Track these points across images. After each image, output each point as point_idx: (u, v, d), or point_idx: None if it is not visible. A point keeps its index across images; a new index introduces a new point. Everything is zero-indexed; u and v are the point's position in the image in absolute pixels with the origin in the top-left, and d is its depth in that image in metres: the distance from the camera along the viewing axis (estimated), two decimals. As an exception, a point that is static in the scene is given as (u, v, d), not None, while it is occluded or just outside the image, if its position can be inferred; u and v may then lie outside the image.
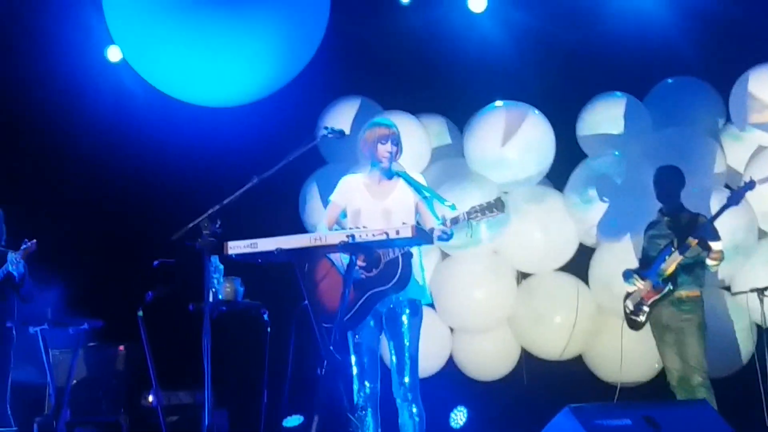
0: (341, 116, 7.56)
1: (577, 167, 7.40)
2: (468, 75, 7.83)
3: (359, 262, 4.73)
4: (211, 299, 4.73)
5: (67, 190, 7.52)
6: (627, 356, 6.44)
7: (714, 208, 6.26)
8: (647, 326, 6.02)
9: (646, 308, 5.93)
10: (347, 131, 5.15)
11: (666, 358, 5.97)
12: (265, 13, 6.53)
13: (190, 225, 4.45)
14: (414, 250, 4.85)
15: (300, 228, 7.45)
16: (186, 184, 7.31)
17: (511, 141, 7.27)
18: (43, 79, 7.57)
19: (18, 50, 7.64)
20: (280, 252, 4.50)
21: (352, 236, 4.40)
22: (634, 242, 6.77)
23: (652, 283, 5.88)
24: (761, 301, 6.02)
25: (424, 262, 7.35)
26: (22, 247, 5.88)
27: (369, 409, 4.93)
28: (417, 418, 4.88)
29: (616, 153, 7.25)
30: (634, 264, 6.26)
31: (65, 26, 7.59)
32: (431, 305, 7.59)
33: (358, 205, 5.05)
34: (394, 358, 4.94)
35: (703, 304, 5.92)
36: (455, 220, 4.71)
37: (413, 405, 4.89)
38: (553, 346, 7.40)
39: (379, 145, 5.01)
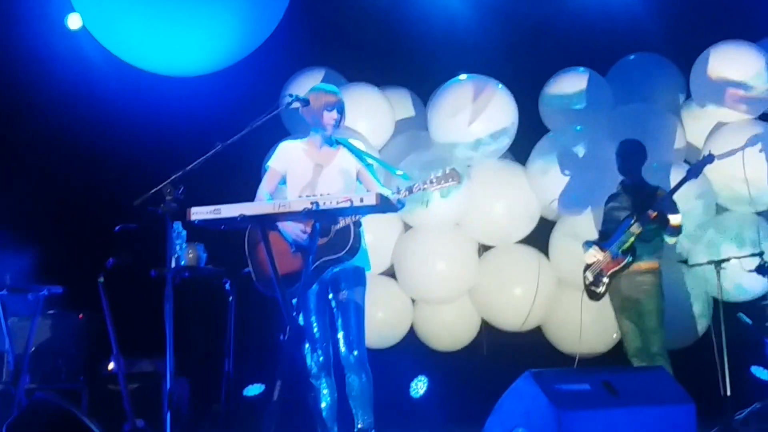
0: (305, 87, 7.40)
1: (539, 141, 7.45)
2: (433, 48, 7.84)
3: (307, 229, 4.72)
4: (173, 265, 4.70)
5: (28, 156, 7.42)
6: (586, 327, 6.53)
7: (674, 182, 6.33)
8: (606, 297, 6.10)
9: (605, 279, 6.01)
10: (311, 102, 5.12)
11: (624, 329, 6.06)
12: (228, -20, 6.49)
13: (153, 190, 4.41)
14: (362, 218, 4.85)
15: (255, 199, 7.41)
16: (148, 151, 7.24)
17: (475, 114, 7.29)
18: (1, 46, 7.44)
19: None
20: (244, 218, 4.47)
21: (316, 203, 4.38)
22: (595, 215, 6.85)
23: (611, 254, 5.96)
24: (718, 273, 6.11)
25: (387, 233, 7.50)
26: None
27: (323, 376, 4.94)
28: (364, 381, 4.90)
29: (578, 128, 7.31)
30: (594, 236, 6.33)
31: (25, -8, 7.47)
32: (392, 275, 7.64)
33: (298, 171, 5.02)
34: (340, 327, 4.96)
35: (661, 275, 6.00)
36: (410, 190, 4.71)
37: (360, 370, 4.91)
38: (513, 317, 7.48)
39: (325, 112, 4.98)
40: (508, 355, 7.43)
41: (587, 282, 6.12)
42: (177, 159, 4.67)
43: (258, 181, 7.63)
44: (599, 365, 7.07)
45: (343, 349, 4.92)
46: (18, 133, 7.49)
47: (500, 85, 7.43)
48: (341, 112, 5.04)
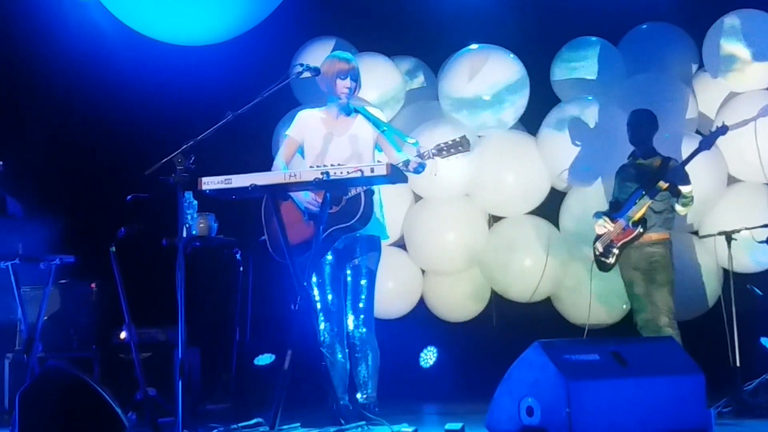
0: (315, 57, 7.44)
1: (551, 111, 7.42)
2: (443, 17, 7.78)
3: (318, 199, 4.73)
4: (184, 235, 4.72)
5: (39, 127, 7.41)
6: (595, 298, 6.53)
7: (685, 153, 6.31)
8: (616, 268, 6.10)
9: (615, 250, 6.00)
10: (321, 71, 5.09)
11: (634, 300, 6.06)
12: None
13: (164, 160, 4.43)
14: (375, 187, 4.84)
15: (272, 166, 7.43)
16: (159, 121, 7.24)
17: (486, 84, 7.27)
18: (11, 15, 7.43)
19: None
20: (255, 188, 4.51)
21: (327, 173, 4.41)
22: (605, 186, 6.83)
23: (622, 225, 5.95)
24: (728, 244, 6.09)
25: (397, 204, 7.50)
26: None
27: (336, 346, 4.96)
28: (370, 353, 4.94)
29: (589, 98, 7.27)
30: (605, 207, 6.32)
31: (34, -38, 7.44)
32: (401, 246, 7.65)
33: (316, 141, 5.00)
34: (350, 294, 4.98)
35: (671, 246, 6.00)
36: (420, 156, 4.72)
37: (367, 341, 4.94)
38: (523, 288, 7.48)
39: (338, 81, 4.96)
40: (517, 326, 7.45)
41: (597, 253, 6.12)
42: (188, 129, 4.69)
43: (269, 150, 7.70)
44: (609, 336, 7.07)
45: (351, 319, 4.94)
46: (28, 104, 7.49)
47: (511, 55, 7.40)
48: (355, 79, 5.01)
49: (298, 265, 4.63)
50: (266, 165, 7.23)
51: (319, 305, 4.97)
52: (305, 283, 4.54)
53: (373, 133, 5.03)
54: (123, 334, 6.53)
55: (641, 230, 5.89)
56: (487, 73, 7.23)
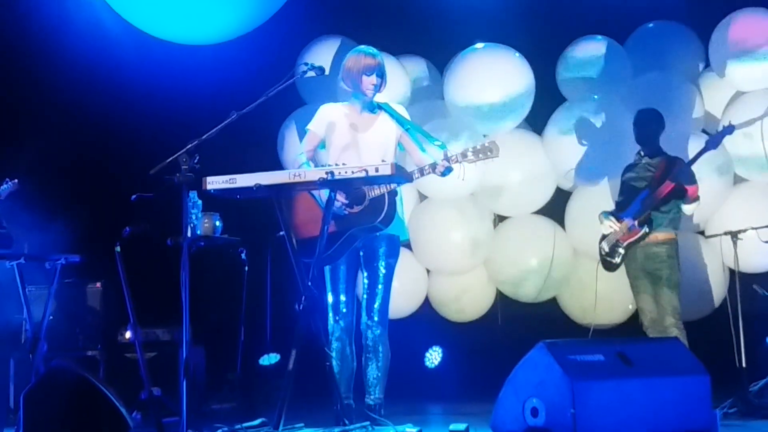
0: (320, 56, 7.46)
1: (557, 111, 7.41)
2: (449, 16, 7.78)
3: (341, 199, 4.70)
4: (189, 234, 4.71)
5: (44, 126, 7.43)
6: (601, 298, 6.52)
7: (691, 152, 6.29)
8: (622, 268, 6.09)
9: (621, 250, 5.99)
10: (327, 71, 5.06)
11: (640, 300, 6.04)
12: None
13: (169, 159, 4.42)
14: (398, 186, 4.81)
15: (277, 166, 7.44)
16: (164, 120, 7.25)
17: (491, 83, 7.26)
18: (16, 14, 7.43)
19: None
20: (259, 188, 4.49)
21: (331, 173, 4.38)
22: (611, 185, 6.82)
23: (628, 225, 5.93)
24: (734, 244, 6.07)
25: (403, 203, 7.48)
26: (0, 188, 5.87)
27: (345, 345, 4.90)
28: (381, 355, 4.87)
29: (596, 97, 7.26)
30: (611, 207, 6.30)
31: (40, -40, 7.45)
32: (407, 246, 7.64)
33: (338, 137, 4.93)
34: (365, 293, 4.92)
35: (677, 246, 5.98)
36: (447, 160, 4.66)
37: (379, 342, 4.88)
38: (528, 288, 7.47)
39: (364, 77, 4.88)
40: (522, 326, 7.45)
41: (603, 252, 6.10)
42: (193, 128, 4.68)
43: (274, 149, 7.71)
44: (614, 336, 7.06)
45: (366, 320, 4.89)
46: (34, 103, 7.50)
47: (517, 54, 7.38)
48: (381, 75, 4.91)
49: (316, 264, 4.59)
50: (271, 164, 7.30)
51: (330, 303, 4.93)
52: (309, 283, 4.51)
53: (396, 130, 4.96)
54: (128, 334, 6.54)
55: (647, 230, 5.87)
56: (494, 75, 7.21)
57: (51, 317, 6.12)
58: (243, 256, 6.11)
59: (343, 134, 4.93)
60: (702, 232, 7.10)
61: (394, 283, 7.25)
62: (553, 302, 7.66)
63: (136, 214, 4.94)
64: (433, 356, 8.08)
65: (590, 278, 6.47)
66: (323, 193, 4.70)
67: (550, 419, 3.94)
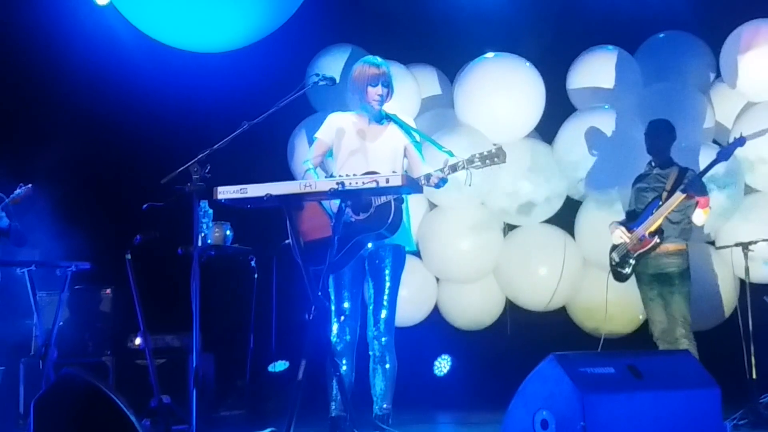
0: (331, 64, 7.50)
1: (567, 120, 7.40)
2: (460, 25, 7.79)
3: (348, 211, 4.69)
4: (200, 244, 4.72)
5: (56, 134, 7.46)
6: (611, 308, 6.50)
7: (702, 163, 6.28)
8: (632, 278, 6.07)
9: (632, 260, 5.97)
10: (337, 80, 5.05)
11: (650, 310, 6.02)
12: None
13: (180, 169, 4.43)
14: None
15: (288, 175, 7.45)
16: (175, 129, 7.27)
17: (501, 93, 7.26)
18: (29, 21, 7.46)
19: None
20: (270, 198, 4.47)
21: (342, 183, 4.36)
22: (622, 195, 6.81)
23: (638, 235, 5.92)
24: (745, 255, 6.05)
25: (412, 212, 7.48)
26: (15, 192, 5.89)
27: (346, 356, 4.84)
28: (388, 365, 4.84)
29: (606, 107, 7.25)
30: (621, 217, 6.29)
31: (52, -32, 7.48)
32: (416, 254, 7.64)
33: (346, 144, 4.92)
34: (372, 304, 4.89)
35: (688, 257, 5.95)
36: (454, 168, 4.61)
37: (386, 352, 4.84)
38: (538, 297, 7.46)
39: (369, 88, 4.86)
40: (532, 335, 7.44)
41: (613, 263, 6.08)
42: (204, 137, 4.69)
43: (284, 159, 7.72)
44: (624, 346, 7.05)
45: (373, 331, 4.87)
46: (45, 111, 7.54)
47: (527, 63, 7.39)
48: (387, 85, 4.88)
49: (326, 274, 4.57)
50: (282, 174, 7.31)
51: (334, 311, 4.89)
52: (320, 293, 4.50)
53: (404, 141, 4.94)
54: (138, 340, 6.55)
55: (658, 241, 5.85)
56: (505, 84, 7.23)
57: (61, 323, 6.13)
58: (252, 263, 6.11)
59: (352, 142, 4.92)
60: (713, 243, 7.08)
61: (403, 292, 7.30)
62: (563, 312, 7.65)
63: (147, 222, 4.95)
64: (442, 365, 8.07)
65: (600, 288, 6.45)
66: (332, 202, 4.70)
67: (560, 432, 3.93)
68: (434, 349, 8.07)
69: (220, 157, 4.54)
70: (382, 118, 4.98)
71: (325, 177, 4.86)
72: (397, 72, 7.61)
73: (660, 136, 6.06)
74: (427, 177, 4.64)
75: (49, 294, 6.32)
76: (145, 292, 5.16)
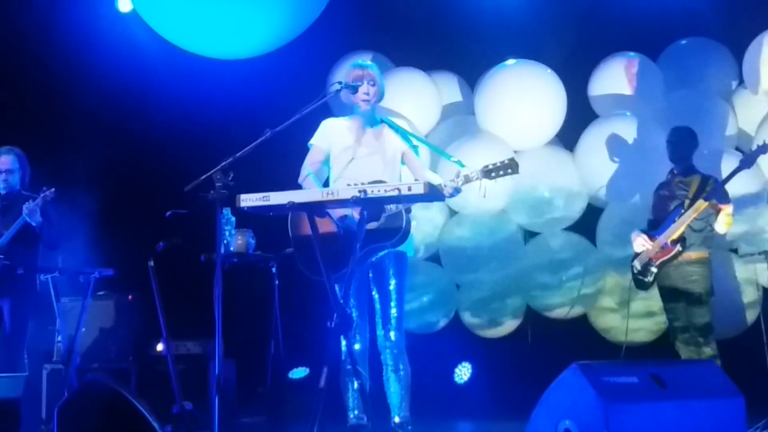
0: (352, 71, 7.51)
1: (588, 127, 7.38)
2: (481, 32, 7.78)
3: (355, 215, 4.67)
4: (222, 251, 4.73)
5: (80, 141, 7.51)
6: (633, 316, 6.47)
7: (725, 170, 6.24)
8: (654, 286, 6.04)
9: (653, 269, 5.94)
10: (358, 87, 5.05)
11: (672, 319, 5.99)
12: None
13: (203, 177, 4.44)
14: None
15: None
16: (199, 136, 7.30)
17: (523, 100, 7.25)
18: (53, 29, 7.52)
19: (28, 0, 7.60)
20: (293, 206, 4.47)
21: (364, 191, 4.34)
22: (643, 203, 6.78)
23: (660, 243, 5.89)
24: (768, 263, 6.03)
25: (433, 218, 7.49)
26: (40, 195, 5.90)
27: (359, 365, 4.75)
28: (402, 373, 4.80)
29: (627, 113, 7.23)
30: (643, 224, 6.26)
31: (75, -24, 7.54)
32: (437, 260, 7.64)
33: (342, 150, 4.90)
34: (379, 315, 4.86)
35: (711, 265, 5.92)
36: (467, 178, 4.60)
37: (399, 359, 4.81)
38: (559, 305, 7.43)
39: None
40: (553, 342, 7.41)
41: (635, 271, 6.05)
42: (226, 145, 4.70)
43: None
44: (646, 354, 7.00)
45: (383, 341, 4.83)
46: (68, 118, 7.59)
47: (549, 70, 7.37)
48: (373, 84, 4.84)
49: (336, 279, 4.57)
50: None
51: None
52: (341, 301, 4.49)
53: (401, 146, 4.93)
54: (160, 347, 6.58)
55: (680, 249, 5.82)
56: (526, 91, 7.22)
57: (83, 329, 6.17)
58: (273, 270, 6.12)
59: (347, 148, 4.90)
60: (735, 250, 7.03)
61: (424, 298, 7.35)
62: (584, 319, 7.62)
63: (170, 229, 4.97)
64: (463, 372, 8.05)
65: (622, 296, 6.44)
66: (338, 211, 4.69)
67: (582, 441, 3.92)
68: (455, 357, 8.05)
69: (243, 164, 4.55)
70: (376, 121, 4.96)
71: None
72: (418, 78, 7.66)
73: (682, 144, 6.03)
74: (440, 187, 4.62)
75: (72, 300, 6.35)
76: (167, 299, 5.18)
